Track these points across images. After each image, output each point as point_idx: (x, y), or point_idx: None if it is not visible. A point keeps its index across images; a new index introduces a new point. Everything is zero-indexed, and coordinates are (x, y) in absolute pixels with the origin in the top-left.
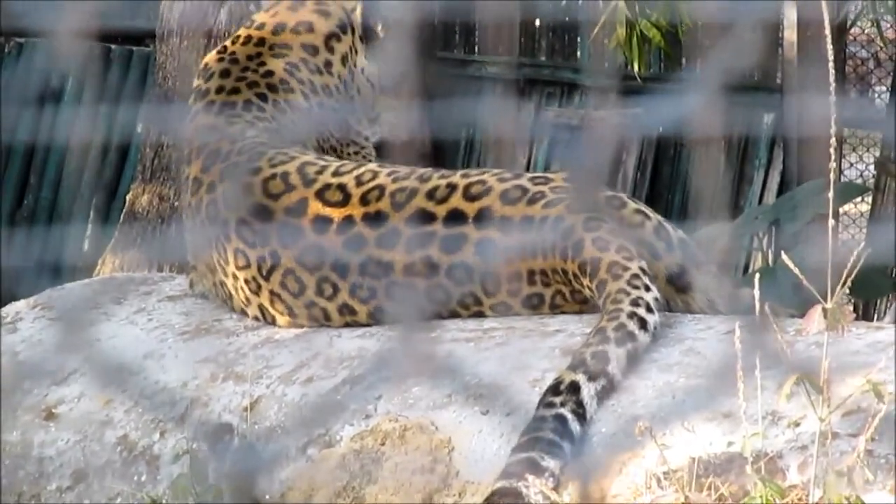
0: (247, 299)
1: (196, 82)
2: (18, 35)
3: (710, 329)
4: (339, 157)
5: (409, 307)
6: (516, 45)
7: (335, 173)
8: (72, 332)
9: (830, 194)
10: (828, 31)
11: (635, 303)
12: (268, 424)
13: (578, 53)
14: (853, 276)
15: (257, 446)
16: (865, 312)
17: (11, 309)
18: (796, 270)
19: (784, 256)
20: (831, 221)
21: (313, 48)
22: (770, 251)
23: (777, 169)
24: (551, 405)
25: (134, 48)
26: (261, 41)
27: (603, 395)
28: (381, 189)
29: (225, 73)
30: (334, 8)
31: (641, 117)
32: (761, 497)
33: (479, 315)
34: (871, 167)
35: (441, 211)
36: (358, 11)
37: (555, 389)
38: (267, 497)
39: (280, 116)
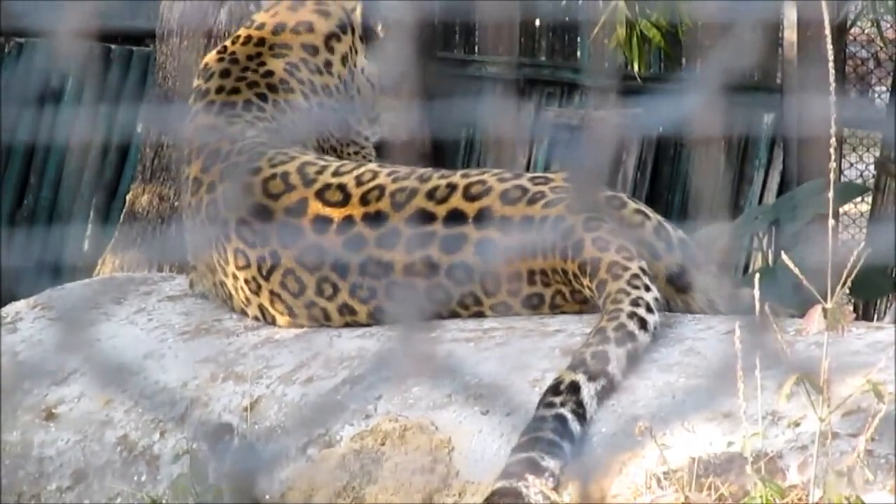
0: (247, 299)
1: (196, 82)
2: (18, 35)
3: (710, 329)
4: (340, 157)
5: (409, 307)
6: (516, 45)
7: (335, 173)
8: (72, 332)
9: (830, 194)
10: (828, 31)
11: (635, 303)
12: (268, 424)
13: (578, 53)
14: (853, 276)
15: (257, 446)
16: (865, 312)
17: (11, 309)
18: (796, 270)
19: (784, 256)
20: (831, 221)
21: (313, 48)
22: (770, 251)
23: (777, 169)
24: (551, 405)
25: (134, 48)
26: (261, 41)
27: (603, 395)
28: (381, 189)
29: (225, 73)
30: (334, 8)
31: (641, 117)
32: (761, 497)
33: (479, 315)
34: (871, 167)
35: (441, 211)
36: (358, 11)
37: (555, 389)
38: (267, 497)
39: (280, 116)
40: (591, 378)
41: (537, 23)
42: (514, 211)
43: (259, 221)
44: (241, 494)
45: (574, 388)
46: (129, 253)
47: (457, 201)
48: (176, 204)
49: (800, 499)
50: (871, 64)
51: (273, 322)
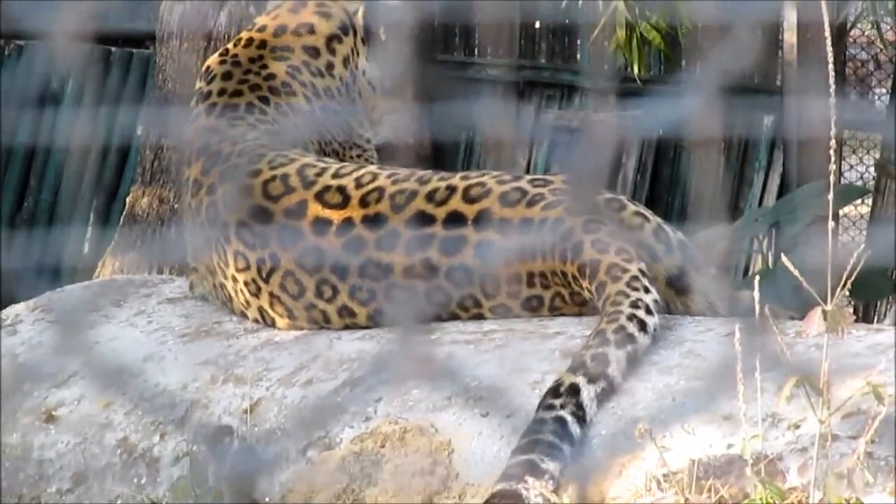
0: (246, 301)
1: (198, 84)
2: (18, 37)
3: (710, 331)
4: (342, 160)
5: (409, 309)
6: (516, 48)
7: (335, 175)
8: (71, 335)
9: (830, 196)
10: (828, 33)
11: (635, 305)
12: (267, 427)
13: (578, 56)
14: (853, 278)
15: (257, 448)
16: (865, 314)
17: (11, 311)
18: (796, 272)
19: (784, 258)
20: (831, 223)
21: (315, 50)
22: (770, 253)
23: (777, 171)
24: (551, 407)
25: (134, 50)
26: (262, 44)
27: (603, 398)
28: (380, 191)
29: (227, 76)
30: (335, 10)
31: (641, 119)
32: (761, 499)
33: (479, 317)
34: (871, 169)
35: (440, 213)
36: (360, 13)
37: (555, 392)
38: (267, 499)
39: (282, 119)
40: (591, 380)
41: (537, 25)
42: (513, 213)
43: (259, 223)
44: (240, 496)
45: (574, 390)
46: (128, 255)
47: (456, 203)
48: (176, 206)
49: (800, 501)
50: (871, 66)
51: (273, 324)
